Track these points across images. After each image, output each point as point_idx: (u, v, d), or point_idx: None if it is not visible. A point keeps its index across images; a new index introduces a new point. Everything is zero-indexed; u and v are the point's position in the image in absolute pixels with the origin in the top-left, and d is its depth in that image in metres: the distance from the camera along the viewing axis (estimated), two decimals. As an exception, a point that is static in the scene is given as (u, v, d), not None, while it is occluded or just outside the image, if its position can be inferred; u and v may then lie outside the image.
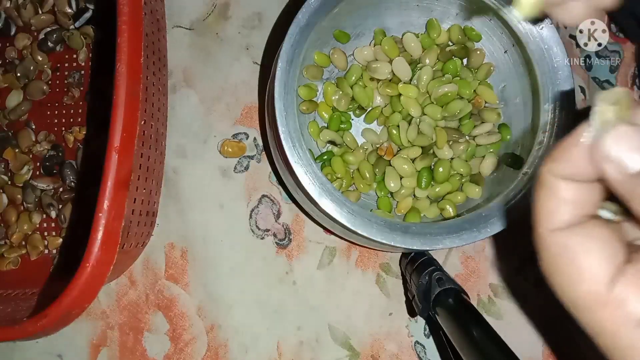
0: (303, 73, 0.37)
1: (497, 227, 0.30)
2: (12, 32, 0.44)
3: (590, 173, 0.15)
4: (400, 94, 0.38)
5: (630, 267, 0.15)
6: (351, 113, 0.39)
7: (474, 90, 0.38)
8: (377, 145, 0.39)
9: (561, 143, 0.16)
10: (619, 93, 0.15)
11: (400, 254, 0.41)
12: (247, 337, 0.40)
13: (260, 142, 0.43)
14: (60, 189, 0.42)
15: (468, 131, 0.37)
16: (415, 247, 0.30)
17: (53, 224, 0.42)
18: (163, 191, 0.42)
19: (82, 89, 0.44)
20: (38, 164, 0.43)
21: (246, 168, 0.43)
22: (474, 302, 0.38)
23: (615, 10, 0.44)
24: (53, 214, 0.41)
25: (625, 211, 0.16)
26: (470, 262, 0.42)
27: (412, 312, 0.41)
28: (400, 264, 0.41)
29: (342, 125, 0.38)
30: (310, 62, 0.38)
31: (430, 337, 0.40)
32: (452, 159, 0.37)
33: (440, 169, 0.36)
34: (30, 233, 0.42)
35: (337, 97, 0.38)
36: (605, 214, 0.17)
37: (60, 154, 0.43)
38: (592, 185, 0.16)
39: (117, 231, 0.28)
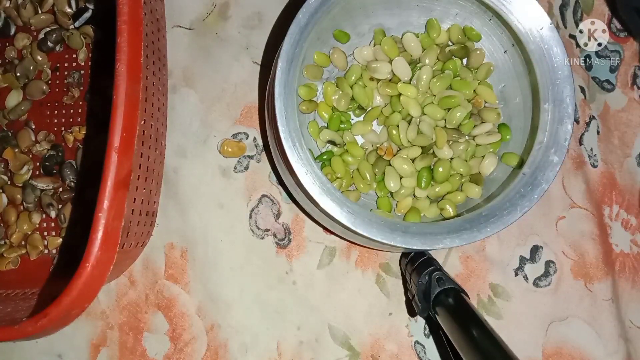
0: (303, 73, 0.37)
1: (497, 227, 0.30)
2: (12, 32, 0.44)
3: None
4: (400, 94, 0.38)
5: None
6: (351, 113, 0.39)
7: (474, 90, 0.38)
8: (377, 145, 0.39)
9: None
10: None
11: (400, 253, 0.41)
12: (247, 337, 0.40)
13: (260, 142, 0.43)
14: (60, 189, 0.42)
15: (468, 131, 0.37)
16: (415, 247, 0.30)
17: (53, 224, 0.42)
18: (163, 191, 0.42)
19: (82, 88, 0.44)
20: (38, 163, 0.43)
21: (246, 168, 0.43)
22: (474, 302, 0.38)
23: (618, 6, 0.44)
24: (53, 214, 0.41)
25: None
26: (470, 262, 0.42)
27: (412, 312, 0.41)
28: (400, 264, 0.41)
29: (342, 125, 0.38)
30: (310, 62, 0.38)
31: (430, 337, 0.40)
32: (452, 158, 0.37)
33: (440, 169, 0.36)
34: (30, 233, 0.42)
35: (337, 97, 0.38)
36: None
37: (60, 154, 0.42)
38: None
39: (117, 231, 0.28)
